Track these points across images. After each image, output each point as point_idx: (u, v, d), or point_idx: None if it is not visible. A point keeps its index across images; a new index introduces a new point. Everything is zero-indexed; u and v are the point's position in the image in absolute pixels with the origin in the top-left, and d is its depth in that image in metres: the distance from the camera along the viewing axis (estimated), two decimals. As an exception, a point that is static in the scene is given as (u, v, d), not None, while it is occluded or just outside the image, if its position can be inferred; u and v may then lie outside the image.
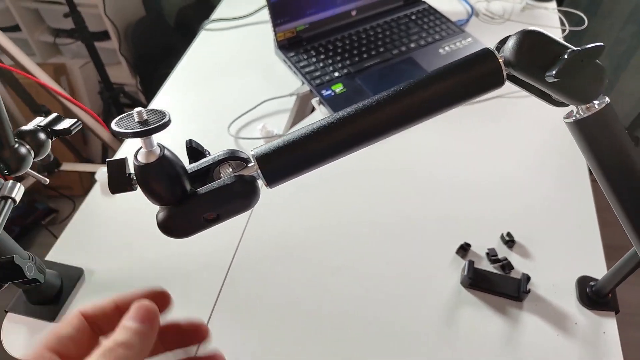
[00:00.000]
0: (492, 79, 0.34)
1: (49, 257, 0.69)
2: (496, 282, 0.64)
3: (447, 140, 0.85)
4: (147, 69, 1.90)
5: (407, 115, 0.34)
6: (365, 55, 0.97)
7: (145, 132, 0.29)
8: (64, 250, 0.70)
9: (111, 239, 0.72)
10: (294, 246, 0.70)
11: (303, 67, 0.96)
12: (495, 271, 0.66)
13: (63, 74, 1.86)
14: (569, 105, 0.36)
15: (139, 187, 0.33)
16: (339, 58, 0.97)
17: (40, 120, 0.41)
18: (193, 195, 0.34)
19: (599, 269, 0.66)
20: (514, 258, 0.68)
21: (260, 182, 0.35)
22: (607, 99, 0.35)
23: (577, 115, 0.36)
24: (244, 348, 0.60)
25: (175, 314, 0.63)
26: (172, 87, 1.00)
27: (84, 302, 0.64)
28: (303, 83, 0.95)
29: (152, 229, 0.34)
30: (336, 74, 0.94)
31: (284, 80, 0.98)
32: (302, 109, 0.96)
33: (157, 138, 0.32)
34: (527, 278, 0.63)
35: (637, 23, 1.55)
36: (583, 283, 0.64)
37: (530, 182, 0.78)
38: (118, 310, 0.28)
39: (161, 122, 0.29)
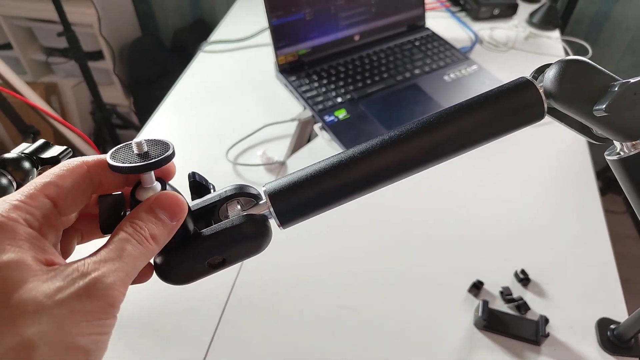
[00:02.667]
0: (531, 111, 0.31)
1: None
2: (512, 325, 0.60)
3: (455, 175, 0.82)
4: (142, 90, 1.87)
5: (437, 150, 0.31)
6: (368, 81, 0.95)
7: (145, 167, 0.25)
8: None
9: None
10: (295, 284, 0.66)
11: (305, 91, 0.93)
12: (510, 312, 0.62)
13: (54, 94, 1.82)
14: (610, 140, 0.33)
15: None
16: (341, 83, 0.95)
17: (25, 147, 0.37)
18: (196, 237, 0.30)
19: (617, 306, 0.62)
20: (529, 297, 0.64)
21: (273, 222, 0.31)
22: (656, 136, 0.31)
23: (622, 153, 0.32)
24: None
25: (169, 354, 0.58)
26: (168, 109, 0.96)
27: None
28: (305, 108, 0.92)
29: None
30: (339, 99, 0.91)
31: (285, 105, 0.95)
32: (303, 135, 0.93)
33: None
34: (546, 320, 0.59)
35: (636, 54, 1.55)
36: (603, 326, 0.60)
37: (542, 215, 0.74)
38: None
39: (164, 156, 0.26)
